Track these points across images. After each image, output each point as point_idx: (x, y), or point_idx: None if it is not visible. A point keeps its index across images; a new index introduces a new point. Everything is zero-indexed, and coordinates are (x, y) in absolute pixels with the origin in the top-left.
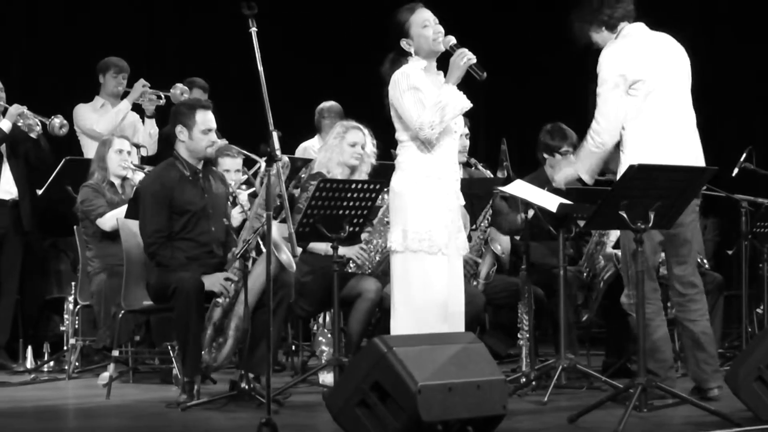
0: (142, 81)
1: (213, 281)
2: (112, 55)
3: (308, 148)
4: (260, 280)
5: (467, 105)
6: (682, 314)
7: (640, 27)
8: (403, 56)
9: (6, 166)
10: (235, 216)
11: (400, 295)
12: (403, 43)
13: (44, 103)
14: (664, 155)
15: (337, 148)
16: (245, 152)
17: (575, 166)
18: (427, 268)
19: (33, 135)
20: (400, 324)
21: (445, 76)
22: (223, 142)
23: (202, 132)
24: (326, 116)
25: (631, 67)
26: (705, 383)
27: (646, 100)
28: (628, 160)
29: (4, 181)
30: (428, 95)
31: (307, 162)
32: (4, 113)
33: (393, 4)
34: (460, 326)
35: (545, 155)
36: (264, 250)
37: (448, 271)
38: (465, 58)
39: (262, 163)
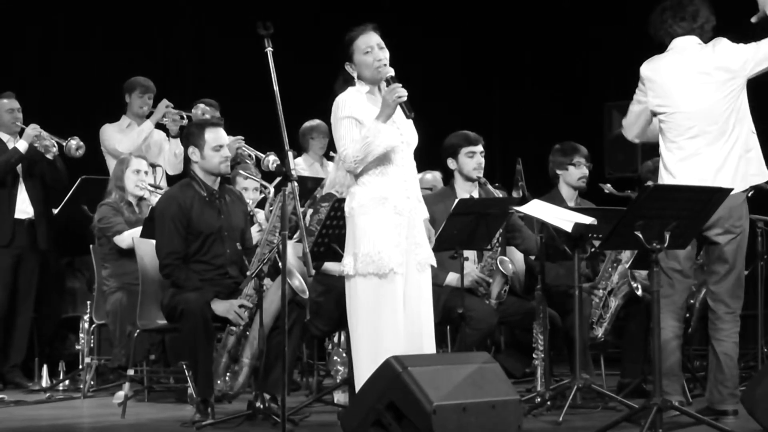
0: (165, 101)
1: (227, 308)
2: (132, 76)
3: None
4: (275, 304)
5: (394, 143)
6: (712, 331)
7: (689, 42)
8: (351, 76)
9: (22, 186)
10: (253, 234)
11: (352, 320)
12: (347, 68)
13: (64, 125)
14: (704, 176)
15: None
16: (256, 179)
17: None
18: (377, 293)
19: (49, 156)
20: (358, 352)
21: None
22: (239, 139)
23: (213, 149)
24: (314, 136)
25: (662, 88)
26: (718, 404)
27: (687, 123)
28: (666, 175)
29: (20, 200)
30: (365, 124)
31: (318, 182)
32: (21, 134)
33: (388, 23)
34: (428, 344)
35: (558, 171)
36: (279, 272)
37: (407, 290)
38: (395, 95)
39: (271, 189)
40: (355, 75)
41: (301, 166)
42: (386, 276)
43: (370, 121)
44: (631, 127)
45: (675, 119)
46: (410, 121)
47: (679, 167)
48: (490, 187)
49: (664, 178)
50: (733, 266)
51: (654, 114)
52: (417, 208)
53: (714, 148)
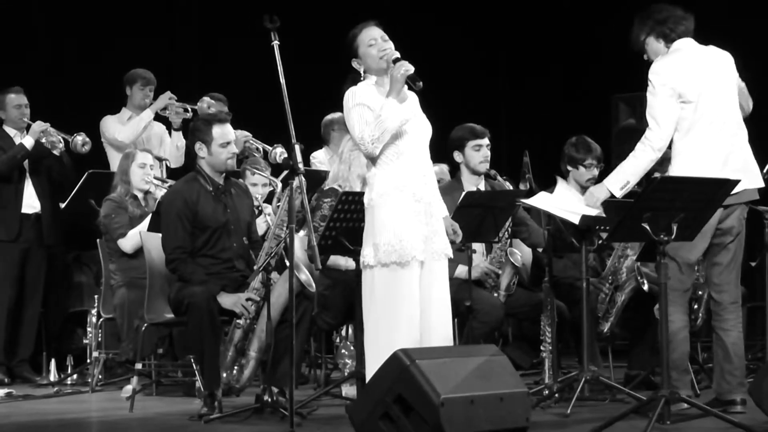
0: (168, 93)
1: (234, 301)
2: (137, 68)
3: (313, 159)
4: (283, 297)
5: (407, 117)
6: (716, 323)
7: (690, 42)
8: (358, 75)
9: (29, 181)
10: (260, 224)
11: (367, 311)
12: (354, 63)
13: (71, 121)
14: (714, 171)
15: (357, 161)
16: (263, 174)
17: (606, 181)
18: (397, 282)
19: (56, 152)
20: (373, 343)
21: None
22: (244, 133)
23: (220, 146)
24: (336, 128)
25: (682, 82)
26: (727, 394)
27: (695, 115)
28: (677, 171)
29: (27, 195)
30: (375, 110)
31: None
32: (27, 129)
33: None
34: (443, 335)
35: (569, 167)
36: (286, 266)
37: (424, 278)
38: (402, 69)
39: (278, 183)
40: (362, 69)
41: (321, 158)
42: (408, 264)
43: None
44: (669, 127)
45: (704, 108)
46: (423, 114)
47: (710, 158)
48: (500, 179)
49: (696, 170)
50: (735, 255)
51: (682, 104)
52: (435, 195)
53: (737, 139)
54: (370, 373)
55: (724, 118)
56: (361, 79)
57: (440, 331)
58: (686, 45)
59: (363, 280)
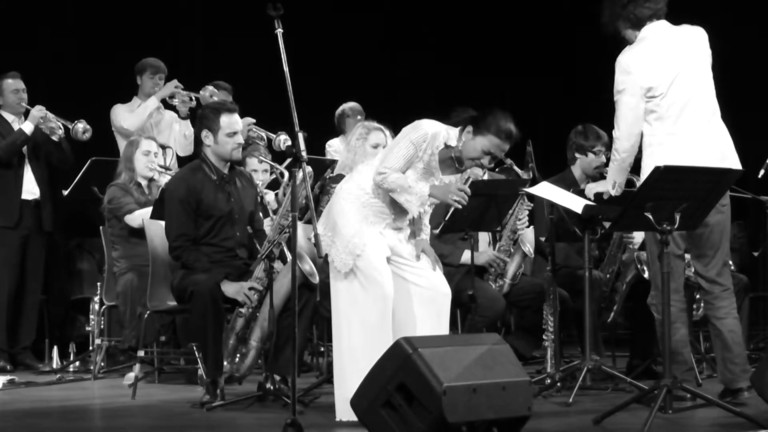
0: (174, 81)
1: (237, 290)
2: (142, 58)
3: (328, 148)
4: (285, 288)
5: (414, 213)
6: (710, 312)
7: (660, 27)
8: (462, 131)
9: (28, 167)
10: (267, 228)
11: (336, 306)
12: (466, 129)
13: (73, 108)
14: (686, 157)
15: (361, 150)
16: (268, 161)
17: (606, 182)
18: (361, 279)
19: (54, 138)
20: (342, 337)
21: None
22: (250, 120)
23: (227, 135)
24: (350, 115)
25: (650, 76)
26: (732, 383)
27: (665, 105)
28: (649, 162)
29: (26, 181)
30: (419, 165)
31: (334, 162)
32: (26, 114)
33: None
34: (432, 324)
35: (577, 155)
36: (288, 256)
37: (400, 274)
38: (455, 197)
39: (285, 173)
40: (462, 141)
41: (336, 147)
42: (360, 257)
43: (424, 164)
44: (633, 127)
45: (675, 96)
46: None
47: (681, 147)
48: (516, 169)
49: (669, 161)
50: (720, 245)
51: (650, 98)
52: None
53: (712, 126)
54: (339, 378)
55: (697, 104)
56: (459, 127)
57: (427, 322)
58: (654, 31)
59: (330, 272)
